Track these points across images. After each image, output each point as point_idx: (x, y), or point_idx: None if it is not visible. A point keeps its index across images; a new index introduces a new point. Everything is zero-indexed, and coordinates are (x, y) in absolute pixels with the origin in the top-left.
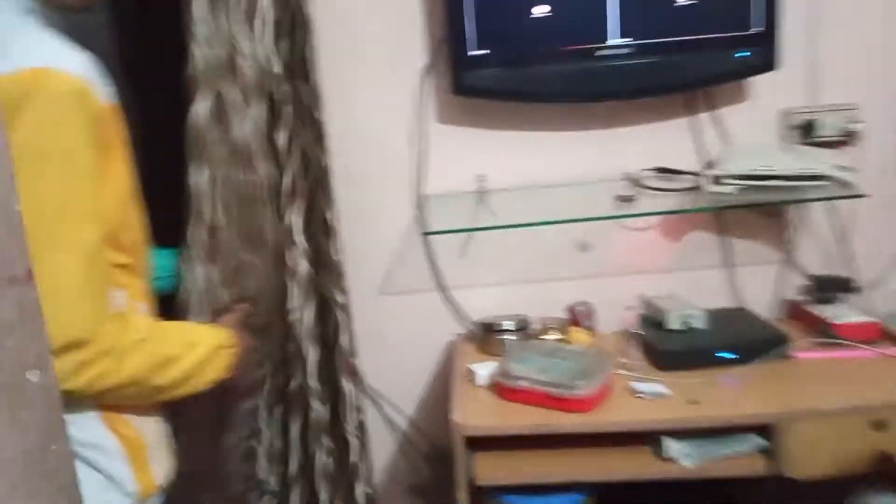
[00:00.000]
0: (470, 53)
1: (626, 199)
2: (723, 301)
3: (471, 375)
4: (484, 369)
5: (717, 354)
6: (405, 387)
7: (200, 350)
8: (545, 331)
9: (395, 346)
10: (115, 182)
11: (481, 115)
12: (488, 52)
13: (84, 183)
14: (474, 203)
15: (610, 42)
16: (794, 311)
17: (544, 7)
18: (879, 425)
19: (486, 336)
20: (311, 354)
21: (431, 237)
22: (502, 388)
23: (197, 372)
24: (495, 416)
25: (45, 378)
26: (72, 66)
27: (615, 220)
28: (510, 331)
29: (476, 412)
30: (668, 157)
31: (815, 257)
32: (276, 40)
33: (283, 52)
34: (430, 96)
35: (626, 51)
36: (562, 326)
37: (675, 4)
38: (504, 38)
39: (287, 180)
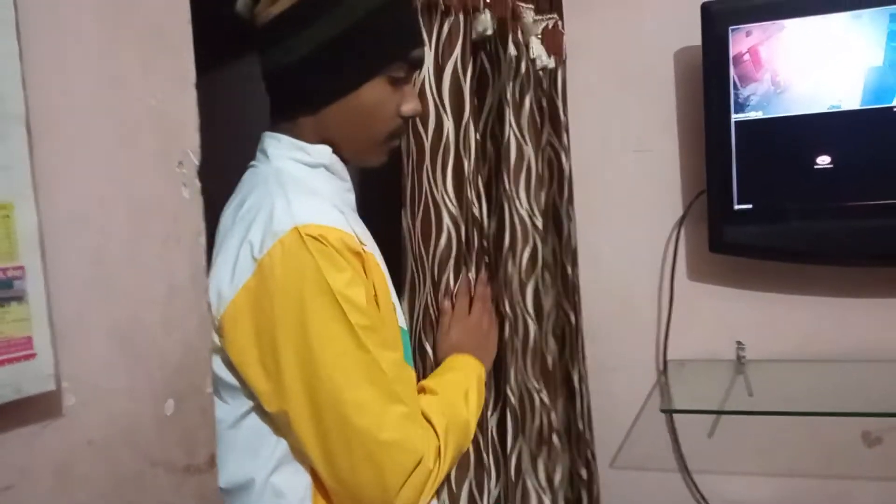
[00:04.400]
0: (735, 208)
1: None
2: None
3: None
4: None
5: None
6: None
7: (472, 395)
8: None
9: None
10: None
11: (741, 273)
12: (752, 206)
13: None
14: (730, 374)
15: None
16: None
17: (826, 157)
18: None
19: None
20: None
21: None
22: None
23: (479, 407)
24: None
25: None
26: None
27: None
28: None
29: None
30: None
31: None
32: (537, 192)
33: (542, 203)
34: (682, 251)
35: None
36: None
37: None
38: (774, 192)
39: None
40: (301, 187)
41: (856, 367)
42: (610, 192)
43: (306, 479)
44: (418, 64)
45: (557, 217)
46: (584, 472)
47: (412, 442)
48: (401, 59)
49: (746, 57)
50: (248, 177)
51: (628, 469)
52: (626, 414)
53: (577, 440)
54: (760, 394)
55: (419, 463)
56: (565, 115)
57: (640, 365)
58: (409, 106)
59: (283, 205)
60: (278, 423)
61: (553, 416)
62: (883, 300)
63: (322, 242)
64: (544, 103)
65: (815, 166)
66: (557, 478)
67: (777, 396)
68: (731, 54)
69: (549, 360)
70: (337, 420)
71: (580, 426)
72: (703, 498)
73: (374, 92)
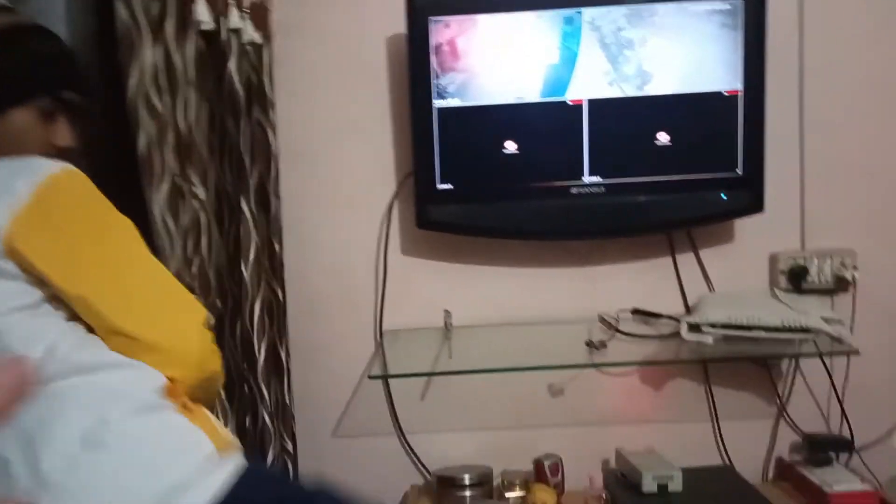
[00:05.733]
0: (437, 188)
1: (597, 347)
2: (708, 457)
3: None
4: None
5: None
6: None
7: None
8: (507, 487)
9: None
10: None
11: (448, 248)
12: (453, 186)
13: None
14: (438, 341)
15: (585, 180)
16: (786, 473)
17: (513, 144)
18: None
19: (443, 491)
20: None
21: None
22: None
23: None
24: None
25: None
26: None
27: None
28: (469, 486)
29: None
30: (648, 299)
31: (809, 413)
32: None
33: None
34: (395, 228)
35: (598, 189)
36: (525, 483)
37: (655, 144)
38: (471, 173)
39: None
40: None
41: (542, 328)
42: (327, 171)
43: None
44: (70, 105)
45: (265, 195)
46: (289, 446)
47: (200, 306)
48: (47, 95)
49: (446, 48)
50: None
51: (349, 437)
52: (347, 385)
53: (284, 415)
54: (464, 356)
55: (204, 323)
56: (272, 91)
57: (359, 337)
58: (60, 142)
59: (41, 160)
60: (81, 311)
61: (265, 398)
62: (562, 269)
63: (83, 175)
64: (253, 78)
65: (505, 151)
66: (269, 458)
67: (478, 358)
68: (432, 44)
69: (257, 342)
70: (143, 283)
71: (287, 401)
72: (416, 456)
73: (20, 120)
